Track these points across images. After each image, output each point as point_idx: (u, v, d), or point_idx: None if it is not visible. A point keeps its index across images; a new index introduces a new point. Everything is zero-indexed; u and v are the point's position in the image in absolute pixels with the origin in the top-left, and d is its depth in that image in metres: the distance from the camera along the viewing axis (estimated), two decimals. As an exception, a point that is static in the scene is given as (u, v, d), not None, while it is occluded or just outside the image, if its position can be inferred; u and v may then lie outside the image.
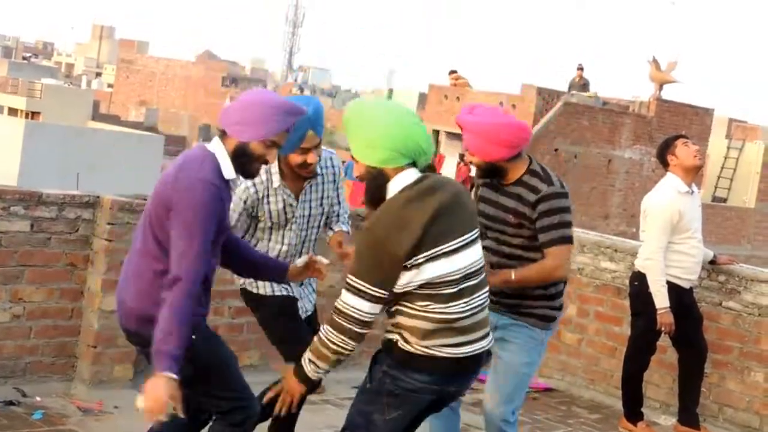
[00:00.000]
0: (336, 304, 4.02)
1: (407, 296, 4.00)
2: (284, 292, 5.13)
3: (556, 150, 26.98)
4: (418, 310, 4.01)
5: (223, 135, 4.18)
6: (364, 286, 3.95)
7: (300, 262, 4.72)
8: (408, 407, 4.13)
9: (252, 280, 5.08)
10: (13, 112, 53.42)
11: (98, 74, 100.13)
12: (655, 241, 6.95)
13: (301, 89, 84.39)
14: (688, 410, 7.28)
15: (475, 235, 4.11)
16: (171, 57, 72.62)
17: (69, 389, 6.39)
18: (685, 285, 7.10)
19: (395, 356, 4.09)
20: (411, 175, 4.04)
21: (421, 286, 3.98)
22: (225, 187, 4.14)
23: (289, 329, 5.13)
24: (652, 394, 7.75)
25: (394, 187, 4.03)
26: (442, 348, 4.05)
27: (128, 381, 6.44)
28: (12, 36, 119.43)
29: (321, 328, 4.09)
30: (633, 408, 7.27)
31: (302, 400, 4.83)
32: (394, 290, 3.97)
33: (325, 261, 4.73)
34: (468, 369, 4.15)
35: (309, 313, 5.30)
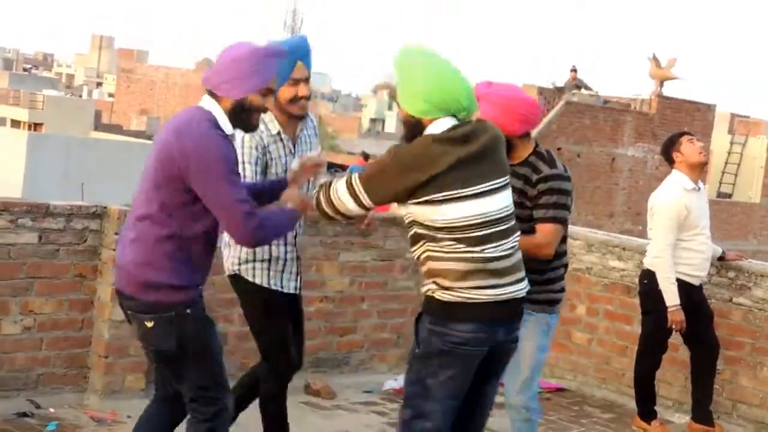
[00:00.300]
0: (330, 193, 4.30)
1: (435, 239, 4.16)
2: (277, 287, 5.12)
3: (558, 149, 26.92)
4: (449, 252, 4.16)
5: (213, 96, 4.20)
6: (363, 195, 4.21)
7: (294, 165, 4.75)
8: (460, 363, 4.21)
9: (247, 266, 5.09)
10: (15, 123, 53.46)
11: (99, 84, 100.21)
12: (663, 238, 6.93)
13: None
14: (701, 407, 7.26)
15: (505, 182, 4.29)
16: (170, 65, 72.65)
17: (82, 400, 6.39)
18: (695, 282, 7.08)
19: (435, 310, 4.22)
20: (446, 123, 4.21)
21: (449, 229, 4.13)
22: (229, 140, 4.21)
23: (276, 332, 5.17)
24: (665, 392, 7.73)
25: (428, 132, 4.22)
26: (479, 291, 4.17)
27: (140, 391, 6.43)
28: (12, 48, 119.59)
29: (320, 194, 4.35)
30: (646, 406, 7.26)
31: (284, 399, 5.28)
32: (420, 222, 4.19)
33: (315, 153, 4.90)
34: (509, 313, 4.30)
35: (294, 292, 5.24)
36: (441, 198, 4.10)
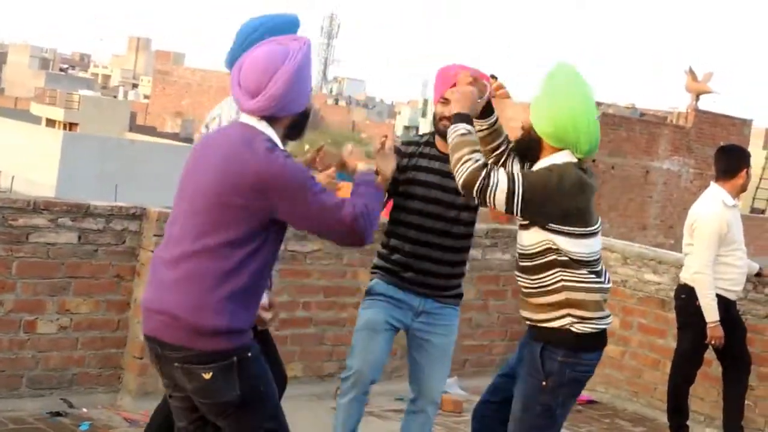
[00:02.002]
0: (491, 171, 4.25)
1: (573, 268, 4.36)
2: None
3: (593, 161, 26.85)
4: (588, 282, 4.38)
5: (265, 118, 3.77)
6: (518, 196, 4.25)
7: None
8: (579, 390, 4.56)
9: None
10: (51, 123, 53.86)
11: (134, 86, 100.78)
12: (705, 254, 6.88)
13: (337, 101, 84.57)
14: (733, 423, 7.21)
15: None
16: (207, 68, 72.95)
17: (115, 400, 6.42)
18: (732, 297, 7.04)
19: (570, 343, 4.40)
20: (569, 156, 4.38)
21: (585, 262, 4.39)
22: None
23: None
24: (697, 407, 7.69)
25: (557, 159, 4.37)
26: (605, 320, 4.45)
27: (173, 392, 6.45)
28: (49, 48, 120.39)
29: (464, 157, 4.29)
30: (678, 421, 7.22)
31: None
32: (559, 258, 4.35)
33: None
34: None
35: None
36: (582, 232, 4.38)
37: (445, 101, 4.96)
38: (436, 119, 5.09)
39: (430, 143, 5.21)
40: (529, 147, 4.49)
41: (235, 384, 3.66)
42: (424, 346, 5.20)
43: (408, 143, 5.31)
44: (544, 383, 4.40)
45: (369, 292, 5.25)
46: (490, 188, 4.23)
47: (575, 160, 4.39)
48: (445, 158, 4.86)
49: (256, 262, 3.68)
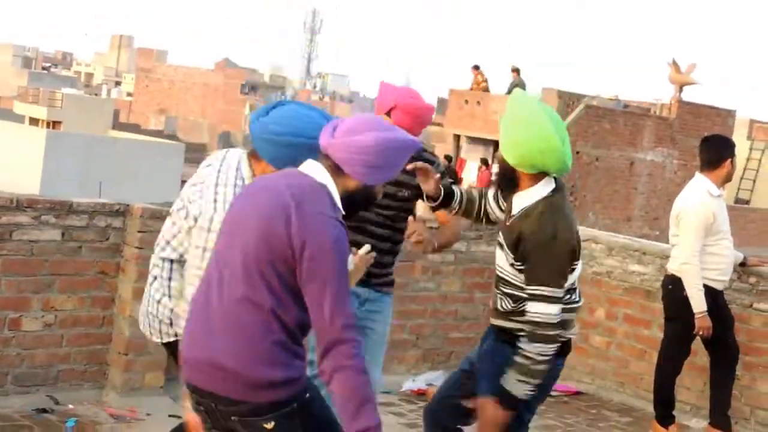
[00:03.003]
0: (532, 317, 4.44)
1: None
2: None
3: (577, 153, 26.88)
4: (566, 303, 4.57)
5: (333, 168, 3.54)
6: (554, 292, 4.44)
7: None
8: (545, 393, 4.79)
9: None
10: (34, 122, 53.66)
11: (117, 83, 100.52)
12: (691, 245, 6.89)
13: (321, 97, 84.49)
14: (719, 413, 7.23)
15: None
16: (190, 65, 72.84)
17: (101, 397, 6.41)
18: (719, 287, 7.06)
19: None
20: (550, 183, 4.55)
21: (568, 290, 4.57)
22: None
23: None
24: (683, 396, 7.71)
25: (536, 193, 4.53)
26: (569, 333, 4.66)
27: (159, 388, 6.46)
28: (32, 46, 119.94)
29: (524, 348, 4.46)
30: (665, 411, 7.23)
31: None
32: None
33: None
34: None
35: None
36: (575, 266, 4.59)
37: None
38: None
39: None
40: (509, 179, 4.61)
41: (298, 428, 3.50)
42: (367, 333, 5.12)
43: None
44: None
45: None
46: (550, 321, 4.48)
47: (553, 187, 4.55)
48: None
49: (299, 313, 3.46)
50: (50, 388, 6.29)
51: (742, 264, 7.46)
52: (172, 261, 4.12)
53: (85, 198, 6.66)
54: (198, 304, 3.58)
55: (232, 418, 3.48)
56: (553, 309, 4.43)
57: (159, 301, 4.12)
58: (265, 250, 3.42)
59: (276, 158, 3.98)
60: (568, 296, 4.60)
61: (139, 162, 37.18)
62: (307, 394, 3.52)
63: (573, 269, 4.57)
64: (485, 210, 4.93)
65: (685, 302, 6.91)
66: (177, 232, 4.13)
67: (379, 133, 3.54)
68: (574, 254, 4.53)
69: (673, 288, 7.02)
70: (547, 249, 4.43)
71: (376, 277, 5.12)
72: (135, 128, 56.10)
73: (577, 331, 4.79)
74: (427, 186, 4.73)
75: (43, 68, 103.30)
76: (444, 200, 4.81)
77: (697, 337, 7.07)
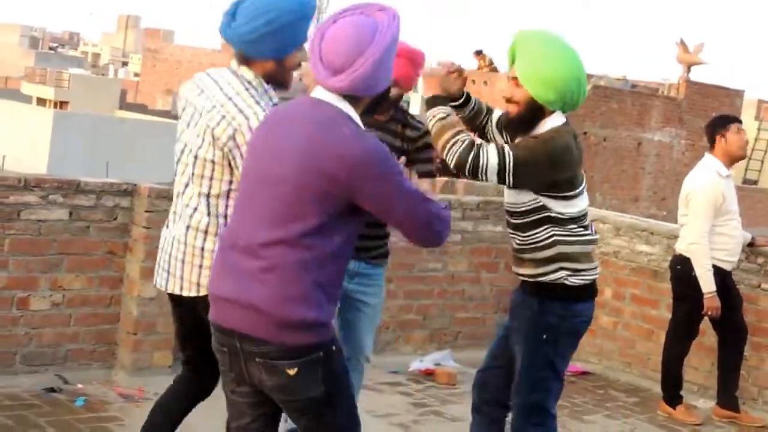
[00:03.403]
0: (481, 148, 4.30)
1: (564, 224, 4.45)
2: None
3: (585, 133, 26.82)
4: (579, 236, 4.47)
5: (347, 96, 3.50)
6: (510, 172, 4.29)
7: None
8: (577, 341, 4.67)
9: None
10: (41, 102, 53.70)
11: (124, 63, 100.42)
12: (700, 225, 6.88)
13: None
14: (727, 393, 7.23)
15: None
16: (197, 45, 72.75)
17: (110, 376, 6.43)
18: (728, 267, 7.05)
19: (565, 295, 4.51)
20: (561, 117, 4.45)
21: (576, 219, 4.47)
22: None
23: None
24: (691, 377, 7.71)
25: (551, 123, 4.41)
26: (595, 270, 4.57)
27: (167, 368, 6.46)
28: (38, 26, 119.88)
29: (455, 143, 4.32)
30: (672, 391, 7.23)
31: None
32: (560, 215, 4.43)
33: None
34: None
35: None
36: (571, 194, 4.45)
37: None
38: (386, 98, 4.94)
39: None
40: (530, 120, 4.44)
41: (319, 380, 3.44)
42: (359, 307, 5.17)
43: None
44: (544, 336, 4.49)
45: None
46: (481, 167, 4.29)
47: (564, 121, 4.47)
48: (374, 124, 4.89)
49: (335, 251, 3.43)
50: (59, 368, 6.30)
51: (750, 244, 7.45)
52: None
53: (93, 178, 6.66)
54: (226, 241, 3.54)
55: (257, 359, 3.42)
56: (494, 159, 4.28)
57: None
58: (304, 184, 3.36)
59: (273, 49, 3.92)
60: (581, 229, 4.48)
61: (146, 142, 37.13)
62: (334, 347, 3.47)
63: (577, 192, 4.45)
64: (486, 128, 4.81)
65: (694, 282, 6.91)
66: None
67: (372, 51, 3.43)
68: (572, 162, 4.39)
69: (682, 268, 7.01)
70: (537, 159, 4.34)
71: (369, 251, 5.10)
72: (142, 108, 56.06)
73: (599, 270, 4.63)
74: (455, 86, 4.64)
75: (50, 48, 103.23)
76: (463, 103, 4.73)
77: (706, 318, 7.07)
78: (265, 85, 3.99)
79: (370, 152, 3.37)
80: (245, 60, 3.96)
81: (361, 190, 3.37)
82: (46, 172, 31.88)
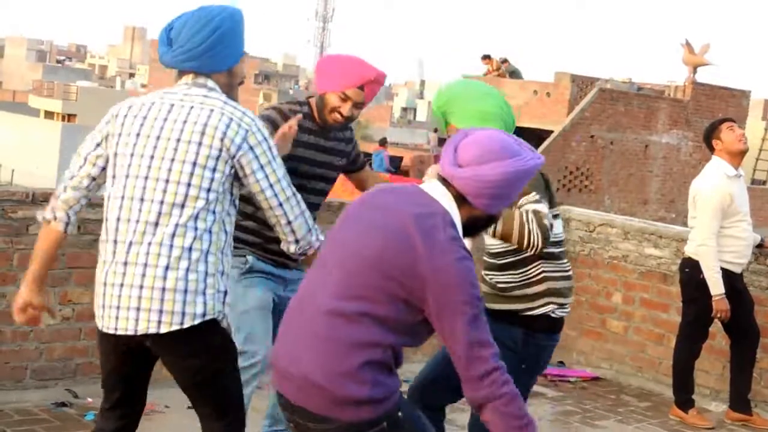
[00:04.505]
0: (535, 216, 4.35)
1: (550, 256, 4.56)
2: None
3: (592, 137, 26.80)
4: (560, 271, 4.61)
5: (457, 196, 3.35)
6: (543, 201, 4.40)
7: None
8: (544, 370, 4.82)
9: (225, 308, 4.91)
10: (49, 115, 53.82)
11: (131, 75, 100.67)
12: (708, 227, 6.87)
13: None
14: (739, 396, 7.22)
15: None
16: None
17: (120, 390, 6.41)
18: (737, 270, 7.04)
19: (548, 327, 4.63)
20: None
21: (557, 243, 4.59)
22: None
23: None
24: (702, 380, 7.69)
25: None
26: (570, 304, 4.72)
27: (178, 380, 6.45)
28: (46, 40, 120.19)
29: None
30: (684, 395, 7.22)
31: None
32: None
33: None
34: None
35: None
36: (553, 213, 4.51)
37: (346, 98, 4.87)
38: (327, 107, 4.91)
39: (308, 115, 5.00)
40: None
41: None
42: None
43: (292, 111, 5.02)
44: (523, 366, 4.52)
45: (250, 270, 4.97)
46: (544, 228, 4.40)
47: None
48: (320, 131, 4.99)
49: (397, 340, 3.28)
50: (69, 382, 6.30)
51: (760, 246, 7.44)
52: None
53: (100, 191, 6.64)
54: (293, 310, 3.42)
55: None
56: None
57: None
58: (384, 270, 3.21)
59: (222, 61, 3.88)
60: (565, 263, 4.65)
61: (154, 153, 37.16)
62: (399, 413, 3.32)
63: (554, 212, 4.55)
64: None
65: (703, 285, 6.89)
66: None
67: (508, 163, 3.33)
68: (537, 180, 4.44)
69: (690, 271, 7.00)
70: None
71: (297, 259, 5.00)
72: (149, 120, 56.11)
73: (570, 304, 4.71)
74: None
75: (58, 61, 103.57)
76: None
77: (717, 321, 7.05)
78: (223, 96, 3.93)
79: (453, 271, 3.19)
80: (197, 75, 3.89)
81: (434, 305, 3.21)
82: (55, 185, 31.84)
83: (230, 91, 3.95)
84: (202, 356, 3.80)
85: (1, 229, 5.98)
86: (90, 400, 6.19)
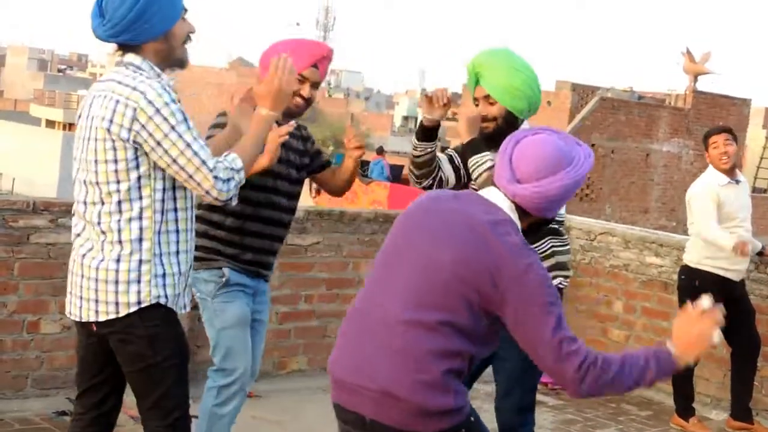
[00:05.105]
0: None
1: (557, 231, 4.75)
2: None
3: (593, 145, 26.78)
4: (565, 245, 4.79)
5: (517, 207, 3.36)
6: None
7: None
8: None
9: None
10: (50, 124, 53.86)
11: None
12: (704, 220, 6.93)
13: (346, 94, 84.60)
14: (740, 405, 7.21)
15: None
16: (205, 65, 72.89)
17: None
18: (733, 277, 7.03)
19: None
20: (527, 124, 4.64)
21: (559, 222, 4.77)
22: None
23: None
24: (703, 389, 7.69)
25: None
26: (568, 279, 4.90)
27: (179, 389, 6.45)
28: (47, 49, 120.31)
29: None
30: (684, 404, 7.22)
31: None
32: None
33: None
34: None
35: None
36: None
37: (303, 79, 4.76)
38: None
39: None
40: (508, 133, 4.40)
41: None
42: (255, 326, 4.92)
43: None
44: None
45: (227, 284, 4.78)
46: None
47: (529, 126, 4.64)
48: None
49: (474, 349, 3.26)
50: (70, 391, 6.28)
51: (761, 254, 7.44)
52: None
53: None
54: (354, 321, 3.34)
55: None
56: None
57: None
58: (462, 276, 3.18)
59: (153, 26, 3.71)
60: (566, 237, 4.80)
61: (155, 162, 37.19)
62: (472, 418, 3.30)
63: None
64: (435, 167, 4.81)
65: (699, 293, 6.87)
66: None
67: (567, 175, 3.33)
68: None
69: (687, 278, 7.03)
70: None
71: (268, 268, 4.92)
72: (150, 128, 56.18)
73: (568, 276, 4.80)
74: (438, 113, 4.72)
75: (59, 71, 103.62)
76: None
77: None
78: (156, 69, 3.75)
79: (530, 273, 3.19)
80: (132, 50, 3.75)
81: (515, 310, 3.19)
82: (56, 194, 31.92)
83: (171, 54, 3.80)
84: (139, 343, 3.74)
85: (2, 239, 5.99)
86: (91, 409, 6.18)
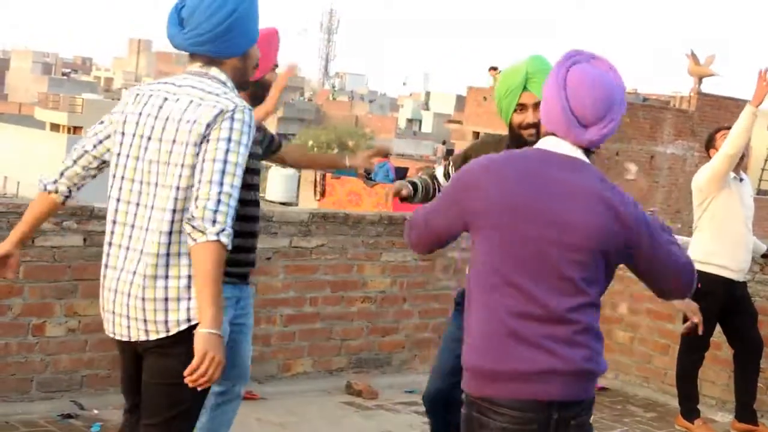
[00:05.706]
0: None
1: None
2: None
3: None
4: None
5: (587, 154, 3.40)
6: None
7: None
8: None
9: None
10: (55, 127, 53.91)
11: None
12: (719, 152, 6.96)
13: (351, 97, 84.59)
14: (745, 407, 7.21)
15: None
16: (208, 68, 73.07)
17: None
18: (735, 277, 7.01)
19: None
20: None
21: None
22: None
23: None
24: (708, 391, 7.69)
25: None
26: None
27: (183, 391, 6.46)
28: (51, 52, 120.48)
29: None
30: (689, 405, 7.21)
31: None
32: None
33: None
34: None
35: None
36: None
37: (275, 66, 4.73)
38: (266, 85, 4.69)
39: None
40: (533, 140, 4.55)
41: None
42: (241, 330, 4.81)
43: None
44: None
45: None
46: None
47: None
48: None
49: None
50: (75, 394, 6.31)
51: (765, 256, 7.43)
52: None
53: (106, 203, 6.65)
54: (511, 312, 3.29)
55: (572, 422, 3.29)
56: None
57: None
58: (600, 251, 3.27)
59: (238, 44, 3.65)
60: None
61: (160, 165, 37.24)
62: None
63: None
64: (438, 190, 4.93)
65: (702, 294, 6.88)
66: None
67: (620, 106, 3.39)
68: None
69: (690, 279, 7.02)
70: None
71: (247, 265, 4.78)
72: (155, 132, 56.23)
73: None
74: (402, 192, 4.85)
75: (63, 74, 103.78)
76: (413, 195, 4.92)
77: (721, 331, 7.04)
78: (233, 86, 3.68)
79: (646, 217, 3.39)
80: (213, 63, 3.66)
81: (645, 251, 3.36)
82: (61, 198, 31.79)
83: (245, 75, 3.75)
84: (177, 358, 3.55)
85: (7, 241, 5.99)
86: (96, 411, 6.19)
